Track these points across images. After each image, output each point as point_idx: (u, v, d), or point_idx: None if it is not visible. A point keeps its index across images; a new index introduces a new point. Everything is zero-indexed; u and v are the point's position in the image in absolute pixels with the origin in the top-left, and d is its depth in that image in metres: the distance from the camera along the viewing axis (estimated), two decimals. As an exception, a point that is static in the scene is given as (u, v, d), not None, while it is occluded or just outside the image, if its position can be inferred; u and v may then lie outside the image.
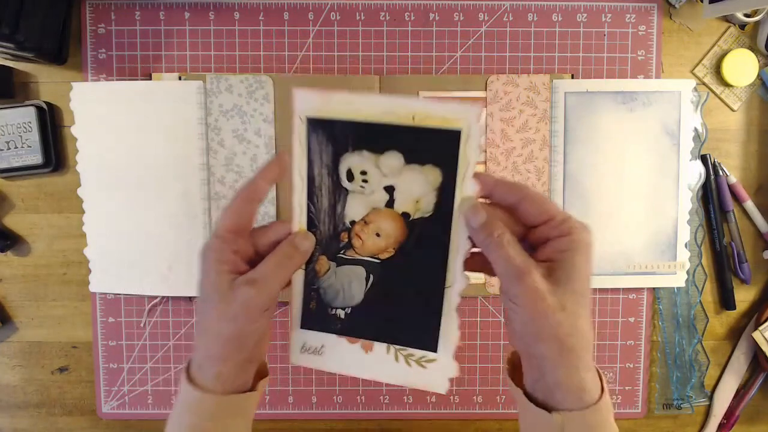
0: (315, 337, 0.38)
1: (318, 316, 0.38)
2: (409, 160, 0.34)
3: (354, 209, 0.37)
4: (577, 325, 0.32)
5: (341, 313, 0.38)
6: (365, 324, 0.37)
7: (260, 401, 0.51)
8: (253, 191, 0.35)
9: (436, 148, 0.34)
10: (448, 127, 0.32)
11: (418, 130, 0.33)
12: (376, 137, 0.35)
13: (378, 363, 0.37)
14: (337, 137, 0.36)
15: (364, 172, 0.36)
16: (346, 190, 0.36)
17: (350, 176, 0.36)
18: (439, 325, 0.36)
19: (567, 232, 0.32)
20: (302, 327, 0.39)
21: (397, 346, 0.37)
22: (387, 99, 0.33)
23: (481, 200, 0.34)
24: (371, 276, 0.37)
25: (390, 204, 0.36)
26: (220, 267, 0.34)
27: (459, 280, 0.34)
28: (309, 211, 0.38)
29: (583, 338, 0.32)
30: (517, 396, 0.35)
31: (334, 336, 0.37)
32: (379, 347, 0.37)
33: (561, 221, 0.32)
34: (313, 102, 0.35)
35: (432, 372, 0.36)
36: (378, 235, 0.36)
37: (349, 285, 0.38)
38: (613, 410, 0.34)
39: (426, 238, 0.35)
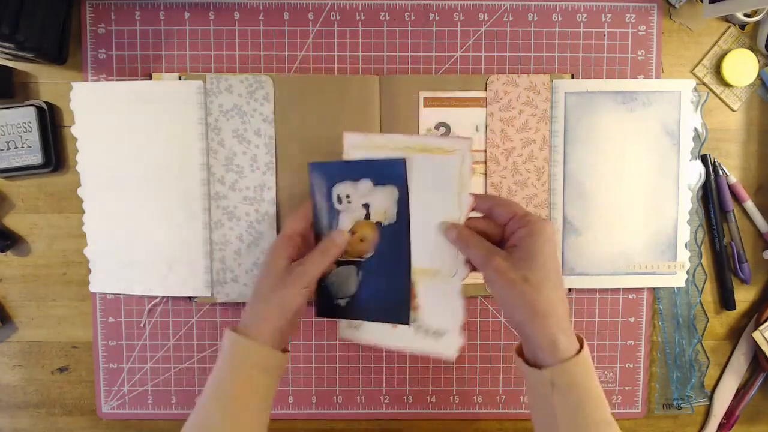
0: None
1: (327, 306, 0.50)
2: (376, 183, 0.48)
3: (344, 223, 0.49)
4: (542, 292, 0.39)
5: (342, 302, 0.49)
6: (358, 309, 0.48)
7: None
8: (308, 207, 0.49)
9: (392, 172, 0.47)
10: (447, 156, 0.45)
11: (380, 162, 0.47)
12: (354, 171, 0.48)
13: (401, 334, 0.47)
14: (329, 174, 0.49)
15: (348, 196, 0.49)
16: (337, 210, 0.49)
17: (339, 200, 0.49)
18: (409, 301, 0.47)
19: (525, 223, 0.41)
20: (318, 315, 0.50)
21: (415, 323, 0.47)
22: (408, 138, 0.46)
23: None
24: (360, 272, 0.49)
25: (367, 216, 0.49)
26: (282, 253, 0.46)
27: (461, 270, 0.46)
28: (315, 230, 0.50)
29: (550, 304, 0.39)
30: (518, 363, 0.42)
31: None
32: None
33: (521, 216, 0.42)
34: (357, 141, 0.47)
35: (444, 342, 0.46)
36: (362, 240, 0.48)
37: (347, 280, 0.49)
38: (595, 372, 0.40)
39: (393, 238, 0.48)
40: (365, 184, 0.49)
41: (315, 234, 0.49)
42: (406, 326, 0.47)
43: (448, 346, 0.46)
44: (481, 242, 0.43)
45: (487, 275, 0.42)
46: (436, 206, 0.45)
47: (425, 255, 0.46)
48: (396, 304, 0.48)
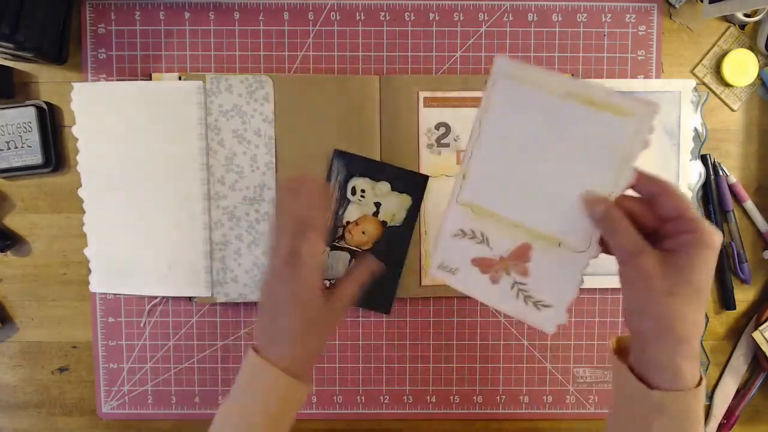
0: (453, 260, 0.43)
1: None
2: (393, 188, 0.54)
3: (351, 214, 0.54)
4: (682, 311, 0.34)
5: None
6: None
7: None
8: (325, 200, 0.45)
9: (414, 184, 0.52)
10: (620, 118, 0.36)
11: (405, 172, 0.52)
12: (377, 171, 0.55)
13: (500, 294, 0.42)
14: (351, 166, 0.55)
15: (363, 191, 0.54)
16: (348, 200, 0.54)
17: (353, 192, 0.54)
18: (394, 294, 0.54)
19: (693, 229, 0.35)
20: None
21: (521, 287, 0.42)
22: (575, 82, 0.37)
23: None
24: (352, 260, 0.56)
25: (375, 214, 0.54)
26: (315, 286, 0.42)
27: (592, 248, 0.39)
28: None
29: (687, 328, 0.35)
30: (619, 369, 0.38)
31: (469, 262, 0.43)
32: (505, 281, 0.42)
33: (690, 219, 0.35)
34: (508, 68, 0.39)
35: (545, 314, 0.41)
36: (363, 233, 0.53)
37: (337, 263, 0.55)
38: (704, 406, 0.36)
39: (394, 239, 0.55)
40: (384, 186, 0.53)
41: None
42: (509, 288, 0.42)
43: (549, 320, 0.41)
44: (632, 231, 0.36)
45: (628, 272, 0.36)
46: (586, 172, 0.38)
47: (553, 221, 0.39)
48: (382, 297, 0.54)
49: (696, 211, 0.37)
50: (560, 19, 0.58)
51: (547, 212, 0.40)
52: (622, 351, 0.40)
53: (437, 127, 0.57)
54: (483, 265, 0.42)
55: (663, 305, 0.34)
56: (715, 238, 0.35)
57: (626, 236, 0.36)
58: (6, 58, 0.56)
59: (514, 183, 0.40)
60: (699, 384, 0.35)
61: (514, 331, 0.60)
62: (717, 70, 0.59)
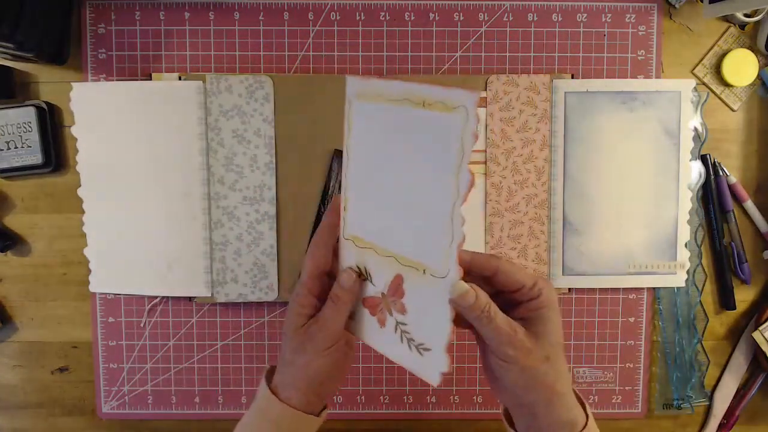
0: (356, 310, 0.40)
1: None
2: None
3: None
4: (559, 371, 0.36)
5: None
6: None
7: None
8: (322, 237, 0.40)
9: None
10: (447, 114, 0.32)
11: None
12: None
13: (387, 338, 0.38)
14: None
15: None
16: None
17: None
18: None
19: (537, 294, 0.37)
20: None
21: (402, 327, 0.37)
22: (407, 86, 0.34)
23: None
24: None
25: None
26: (300, 310, 0.40)
27: (453, 270, 0.33)
28: (319, 210, 0.53)
29: (566, 381, 0.37)
30: None
31: (361, 304, 0.39)
32: (390, 323, 0.37)
33: (531, 287, 0.37)
34: (358, 86, 0.36)
35: (427, 360, 0.35)
36: None
37: None
38: (597, 429, 0.39)
39: None
40: None
41: (316, 215, 0.49)
42: (393, 331, 0.37)
43: (431, 367, 0.35)
44: (500, 314, 0.35)
45: (506, 353, 0.35)
46: (430, 180, 0.33)
47: (413, 243, 0.35)
48: None
49: (530, 273, 0.37)
50: (560, 19, 0.58)
51: (407, 234, 0.35)
52: (509, 416, 0.41)
53: (437, 127, 0.57)
54: (370, 305, 0.38)
55: (545, 374, 0.36)
56: (554, 293, 0.37)
57: (501, 321, 0.35)
58: (6, 58, 0.56)
59: (380, 206, 0.36)
60: (587, 421, 0.38)
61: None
62: (717, 70, 0.59)
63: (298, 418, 0.41)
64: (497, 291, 0.38)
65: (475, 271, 0.37)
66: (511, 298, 0.38)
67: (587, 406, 0.39)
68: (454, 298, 0.33)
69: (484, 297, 0.35)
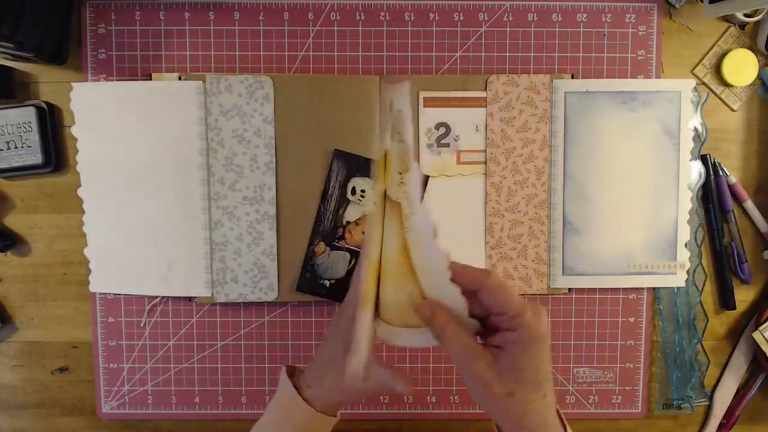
0: None
1: (310, 282, 0.56)
2: None
3: (351, 214, 0.55)
4: (524, 409, 0.34)
5: (327, 283, 0.55)
6: (343, 292, 0.45)
7: (261, 401, 0.60)
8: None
9: None
10: None
11: None
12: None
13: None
14: (351, 166, 0.55)
15: (363, 191, 0.54)
16: (348, 200, 0.55)
17: (353, 192, 0.53)
18: None
19: (516, 327, 0.34)
20: (297, 290, 0.56)
21: None
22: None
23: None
24: (353, 260, 0.56)
25: None
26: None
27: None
28: (319, 210, 0.56)
29: (538, 416, 0.34)
30: None
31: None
32: None
33: (512, 316, 0.34)
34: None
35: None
36: (363, 233, 0.52)
37: (337, 264, 0.56)
38: None
39: None
40: None
41: (316, 215, 0.52)
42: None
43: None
44: (461, 337, 0.35)
45: (465, 377, 0.35)
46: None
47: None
48: None
49: (520, 301, 0.34)
50: (560, 19, 0.58)
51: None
52: None
53: (437, 127, 0.57)
54: None
55: (507, 408, 0.34)
56: (540, 329, 0.34)
57: (456, 343, 0.35)
58: (6, 58, 0.56)
59: None
60: None
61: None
62: (717, 70, 0.59)
63: (319, 419, 0.41)
64: (488, 314, 0.36)
65: (462, 282, 0.36)
66: (493, 323, 0.36)
67: (566, 425, 0.37)
68: (414, 309, 0.36)
69: (441, 316, 0.35)
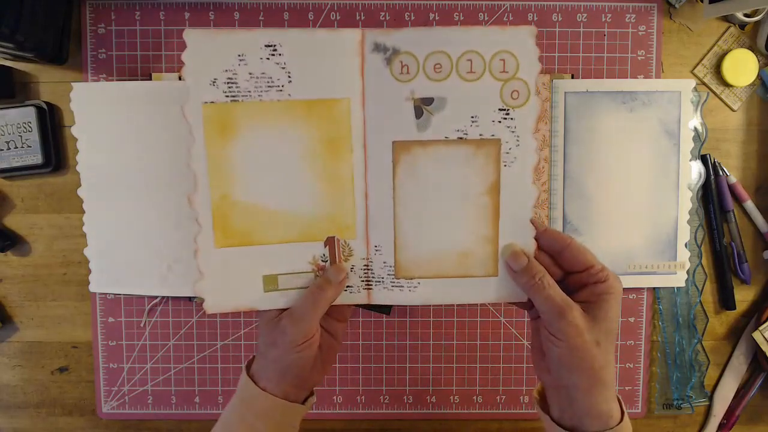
0: None
1: None
2: None
3: None
4: (607, 359, 0.36)
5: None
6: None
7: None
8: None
9: None
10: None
11: None
12: None
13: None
14: None
15: None
16: None
17: None
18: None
19: (603, 279, 0.37)
20: None
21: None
22: None
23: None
24: None
25: None
26: None
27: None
28: None
29: (611, 371, 0.37)
30: (548, 423, 0.39)
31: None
32: None
33: (599, 270, 0.37)
34: None
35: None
36: None
37: None
38: (631, 428, 0.38)
39: None
40: None
41: None
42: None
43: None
44: (556, 286, 0.37)
45: (557, 327, 0.36)
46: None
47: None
48: None
49: (599, 261, 0.38)
50: (560, 19, 0.58)
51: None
52: (543, 399, 0.41)
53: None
54: None
55: (593, 357, 0.36)
56: (619, 284, 0.37)
57: (555, 291, 0.36)
58: (6, 58, 0.56)
59: None
60: (622, 418, 0.37)
61: (514, 331, 0.60)
62: (717, 70, 0.59)
63: (281, 406, 0.40)
64: (564, 275, 0.39)
65: (544, 243, 0.39)
66: (577, 280, 0.38)
67: (623, 405, 0.38)
68: (506, 258, 0.38)
69: (538, 265, 0.37)
